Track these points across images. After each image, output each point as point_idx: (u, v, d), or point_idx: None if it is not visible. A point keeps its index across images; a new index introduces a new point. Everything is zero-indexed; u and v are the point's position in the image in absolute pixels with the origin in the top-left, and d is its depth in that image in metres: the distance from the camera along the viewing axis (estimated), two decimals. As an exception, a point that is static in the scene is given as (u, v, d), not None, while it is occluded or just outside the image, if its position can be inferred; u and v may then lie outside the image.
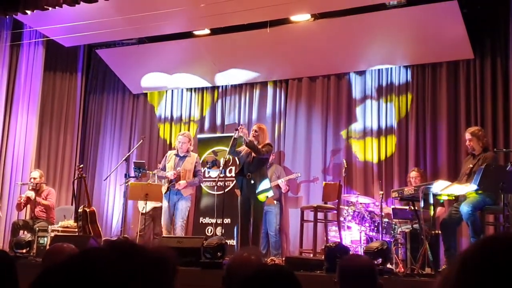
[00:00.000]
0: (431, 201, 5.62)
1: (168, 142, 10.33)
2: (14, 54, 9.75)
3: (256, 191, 6.72)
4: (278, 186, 8.64)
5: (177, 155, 7.94)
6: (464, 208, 5.66)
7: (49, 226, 7.98)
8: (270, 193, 6.95)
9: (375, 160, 8.75)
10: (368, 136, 8.88)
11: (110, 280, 0.94)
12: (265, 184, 6.76)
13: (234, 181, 8.69)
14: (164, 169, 7.94)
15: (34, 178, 8.49)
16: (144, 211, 8.41)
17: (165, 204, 7.79)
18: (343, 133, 9.07)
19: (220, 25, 9.03)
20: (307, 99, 9.39)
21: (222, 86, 10.18)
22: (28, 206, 8.59)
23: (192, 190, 8.13)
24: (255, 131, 7.00)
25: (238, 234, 7.10)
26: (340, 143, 9.06)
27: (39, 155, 10.07)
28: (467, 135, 6.23)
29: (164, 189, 7.80)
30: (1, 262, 2.19)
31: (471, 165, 6.04)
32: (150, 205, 8.31)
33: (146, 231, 8.66)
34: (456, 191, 5.79)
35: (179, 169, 7.74)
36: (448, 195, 5.84)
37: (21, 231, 8.12)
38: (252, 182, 6.77)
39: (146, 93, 10.76)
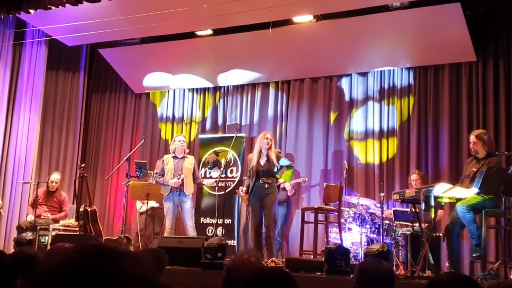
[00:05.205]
0: (432, 203, 5.60)
1: (170, 142, 10.31)
2: (17, 53, 9.76)
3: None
4: (284, 189, 8.64)
5: (175, 157, 7.80)
6: (459, 207, 5.64)
7: (50, 225, 8.00)
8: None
9: (377, 162, 8.73)
10: (369, 138, 8.86)
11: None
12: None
13: (235, 182, 8.72)
14: (162, 173, 7.75)
15: (57, 182, 8.56)
16: (142, 210, 8.38)
17: (168, 205, 7.58)
18: (345, 134, 9.06)
19: (223, 26, 9.04)
20: (309, 100, 9.38)
21: (224, 86, 10.17)
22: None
23: (193, 189, 8.04)
24: (271, 139, 7.28)
25: (252, 237, 7.16)
26: (342, 145, 9.04)
27: (41, 154, 10.08)
28: (472, 138, 6.16)
29: (166, 192, 7.64)
30: None
31: (474, 169, 5.99)
32: (149, 204, 8.29)
33: (146, 230, 8.66)
34: (458, 194, 5.75)
35: (182, 176, 7.61)
36: (450, 198, 5.81)
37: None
38: (266, 186, 6.98)
39: (148, 93, 10.76)
